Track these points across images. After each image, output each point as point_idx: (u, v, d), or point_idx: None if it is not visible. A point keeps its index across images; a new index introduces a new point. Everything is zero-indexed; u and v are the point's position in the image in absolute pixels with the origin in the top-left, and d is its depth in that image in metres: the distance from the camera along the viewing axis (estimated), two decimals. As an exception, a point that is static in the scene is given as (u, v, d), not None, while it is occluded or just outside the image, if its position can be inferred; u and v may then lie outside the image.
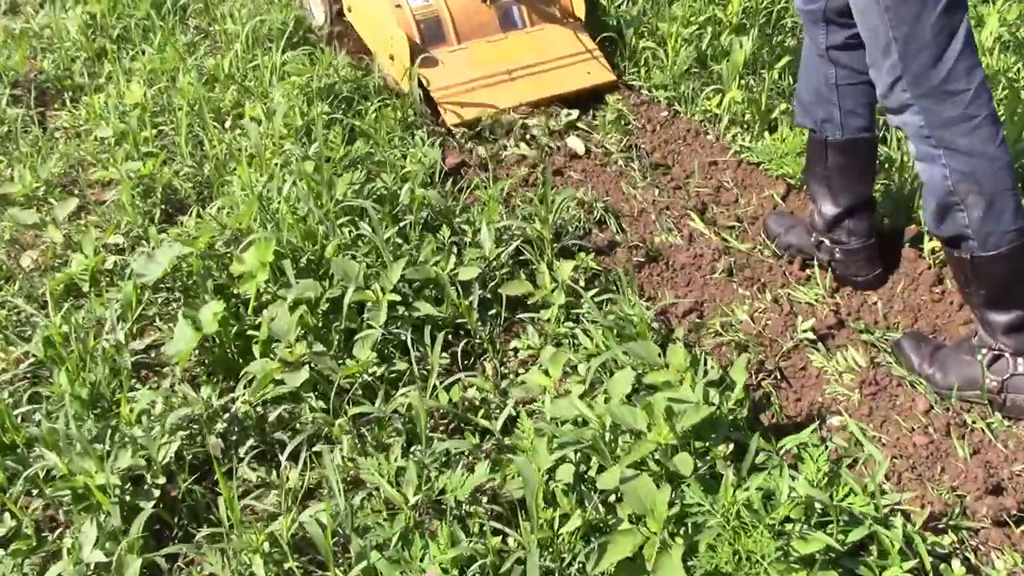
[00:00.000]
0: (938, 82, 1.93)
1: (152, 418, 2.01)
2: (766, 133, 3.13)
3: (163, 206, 2.85)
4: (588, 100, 3.43)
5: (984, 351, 2.13)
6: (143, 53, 3.65)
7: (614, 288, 2.51)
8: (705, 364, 2.05)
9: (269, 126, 3.01)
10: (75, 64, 3.65)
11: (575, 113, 3.32)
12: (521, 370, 2.30)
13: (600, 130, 3.27)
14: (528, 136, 3.24)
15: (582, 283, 2.49)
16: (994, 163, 1.95)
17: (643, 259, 2.69)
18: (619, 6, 3.78)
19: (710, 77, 3.42)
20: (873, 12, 1.94)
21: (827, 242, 2.54)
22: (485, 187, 2.80)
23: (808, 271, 2.61)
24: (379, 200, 2.60)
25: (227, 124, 3.23)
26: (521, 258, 2.56)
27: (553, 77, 3.39)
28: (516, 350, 2.35)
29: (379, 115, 3.18)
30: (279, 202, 2.55)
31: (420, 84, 3.28)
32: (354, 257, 2.38)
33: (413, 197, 2.59)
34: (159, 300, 2.47)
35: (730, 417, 1.96)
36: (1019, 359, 2.09)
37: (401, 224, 2.53)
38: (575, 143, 3.19)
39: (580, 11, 3.54)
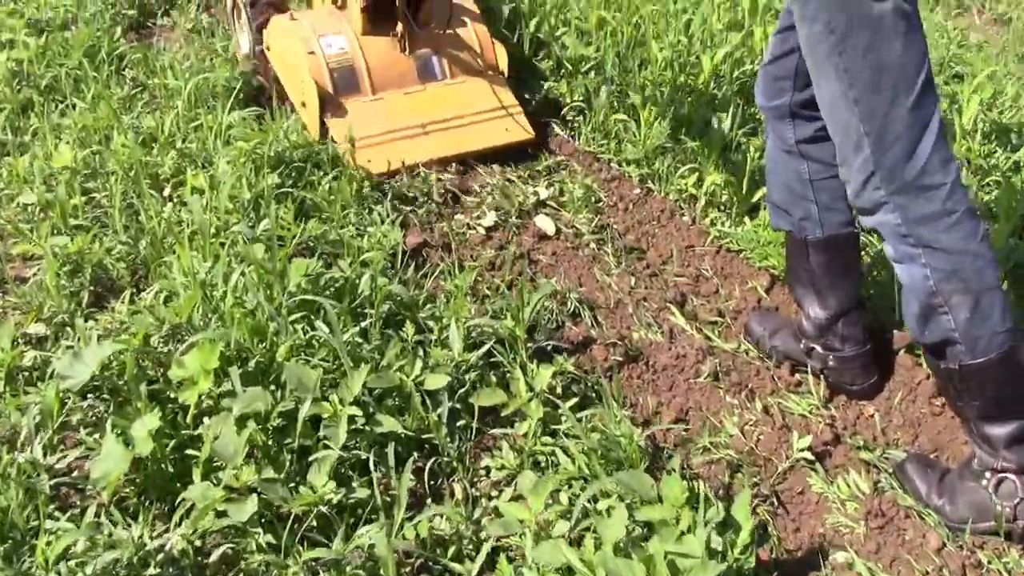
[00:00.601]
0: (913, 176, 1.83)
1: (73, 563, 1.73)
2: (746, 218, 2.97)
3: (92, 287, 2.56)
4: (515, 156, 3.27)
5: (988, 475, 1.96)
6: (74, 108, 3.36)
7: (594, 395, 2.30)
8: (704, 501, 1.84)
9: (213, 198, 2.75)
10: (-3, 118, 3.34)
11: (543, 191, 3.12)
12: (494, 492, 2.07)
13: (569, 207, 3.08)
14: (496, 209, 3.03)
15: (559, 389, 2.28)
16: (977, 260, 1.84)
17: (622, 358, 2.49)
18: (586, 71, 3.60)
19: (685, 154, 3.25)
20: (842, 107, 1.85)
21: (819, 348, 2.37)
22: (451, 274, 2.58)
23: (798, 375, 2.43)
24: (337, 293, 2.36)
25: (166, 193, 2.96)
26: (492, 360, 2.34)
27: (470, 132, 3.28)
28: (488, 469, 2.12)
29: (332, 187, 2.94)
30: (224, 292, 2.30)
31: (328, 134, 3.16)
32: (308, 362, 2.13)
33: (375, 288, 2.36)
34: (84, 405, 2.18)
35: (736, 565, 1.75)
36: None
37: (361, 323, 2.29)
38: (544, 223, 2.99)
39: (503, 65, 3.45)
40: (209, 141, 3.13)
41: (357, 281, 2.41)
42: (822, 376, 2.39)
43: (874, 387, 2.38)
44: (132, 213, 2.83)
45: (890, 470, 2.16)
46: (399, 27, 3.30)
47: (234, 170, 2.88)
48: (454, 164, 3.25)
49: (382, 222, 2.84)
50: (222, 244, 2.56)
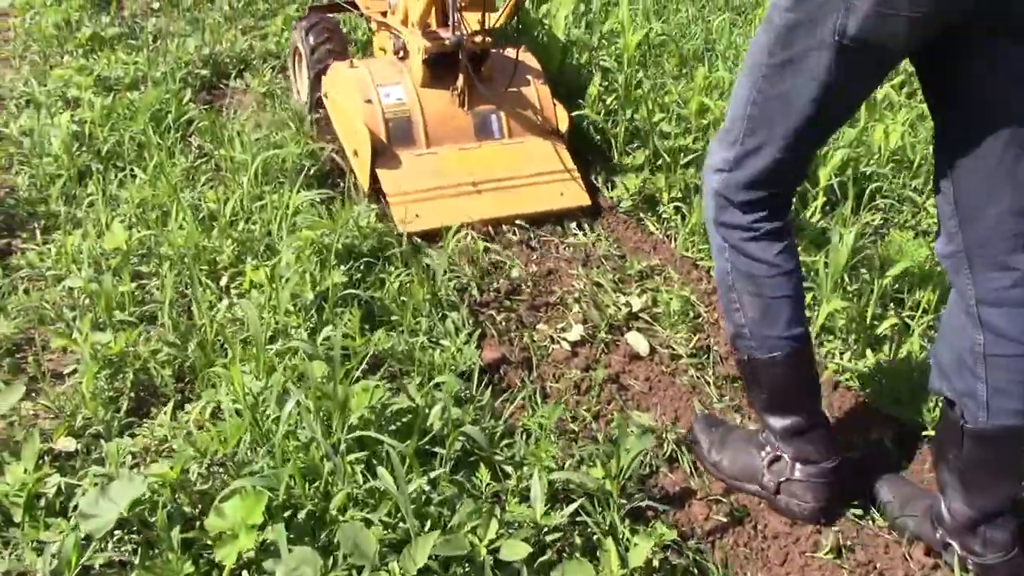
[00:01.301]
0: (746, 199, 1.93)
1: None
2: (868, 350, 2.61)
3: (132, 392, 2.30)
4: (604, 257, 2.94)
5: (768, 449, 2.13)
6: (134, 177, 3.14)
7: (695, 569, 1.96)
8: None
9: (273, 295, 2.48)
10: (53, 185, 3.12)
11: (636, 301, 2.80)
12: None
13: (665, 322, 2.75)
14: (584, 321, 2.72)
15: (656, 562, 1.94)
16: (772, 269, 1.95)
17: (726, 519, 2.14)
18: (685, 164, 3.29)
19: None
20: (739, 109, 1.89)
21: (957, 547, 1.98)
22: (532, 401, 2.27)
23: (935, 559, 2.06)
24: (406, 428, 2.05)
25: (223, 282, 2.70)
26: (578, 518, 2.01)
27: (523, 194, 3.19)
28: (573, 665, 1.78)
29: (403, 289, 2.65)
30: (276, 418, 2.01)
31: (377, 185, 3.09)
32: (368, 520, 1.82)
33: (447, 421, 2.05)
34: (110, 544, 1.90)
35: None
36: (797, 464, 2.08)
37: (431, 466, 1.98)
38: (637, 341, 2.66)
39: (563, 125, 3.37)
40: (273, 226, 2.87)
41: (427, 411, 2.10)
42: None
43: None
44: (184, 306, 2.58)
45: None
46: (459, 81, 3.22)
47: (298, 263, 2.61)
48: (537, 263, 2.96)
49: (457, 331, 2.54)
50: (279, 355, 2.28)
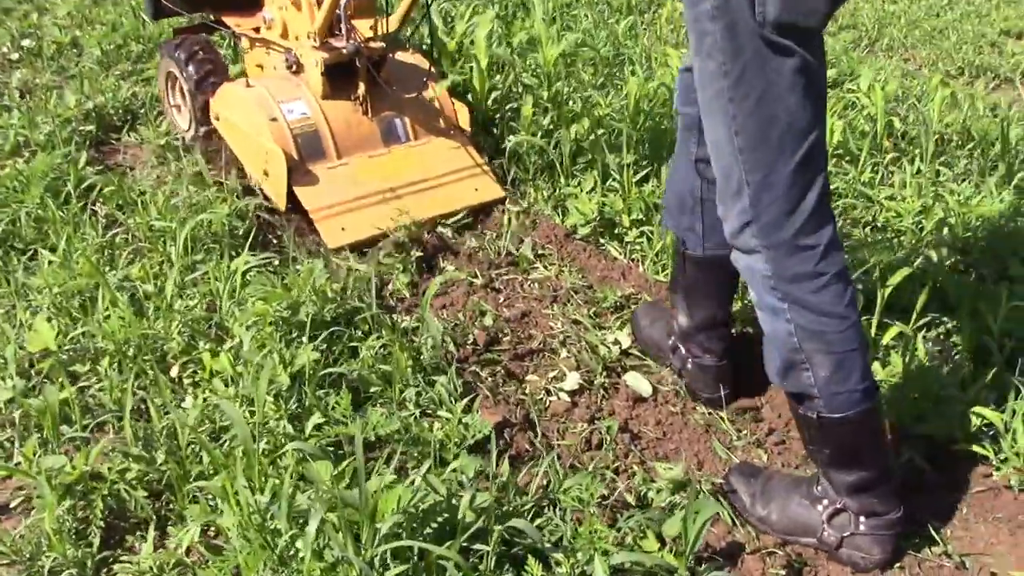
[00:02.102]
0: (790, 236, 1.79)
1: None
2: (877, 364, 2.51)
3: (102, 522, 1.98)
4: (577, 292, 2.80)
5: (826, 502, 2.02)
6: (35, 260, 2.78)
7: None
8: None
9: (242, 384, 2.21)
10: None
11: (623, 338, 2.64)
12: None
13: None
14: (577, 366, 2.54)
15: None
16: (843, 322, 1.83)
17: (784, 571, 2.00)
18: (640, 180, 3.14)
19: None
20: (726, 151, 1.78)
21: (682, 350, 2.47)
22: (553, 470, 2.08)
23: None
24: (439, 528, 1.82)
25: (174, 373, 2.40)
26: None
27: (440, 194, 3.20)
28: None
29: (380, 356, 2.41)
30: (291, 540, 1.75)
31: (296, 203, 3.01)
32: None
33: (479, 511, 1.84)
34: None
35: None
36: (861, 518, 1.98)
37: (473, 570, 1.76)
38: (637, 382, 2.50)
39: (465, 123, 3.39)
40: (219, 301, 2.58)
41: (455, 502, 1.88)
42: (680, 377, 2.50)
43: (722, 400, 2.43)
44: (137, 407, 2.27)
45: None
46: (360, 89, 3.19)
47: (257, 340, 2.34)
48: (507, 306, 2.77)
49: (451, 397, 2.32)
50: (266, 455, 2.02)
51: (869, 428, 1.92)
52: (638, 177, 3.17)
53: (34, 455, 2.04)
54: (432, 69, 3.40)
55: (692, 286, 2.38)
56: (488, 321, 2.72)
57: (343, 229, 3.00)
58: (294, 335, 2.46)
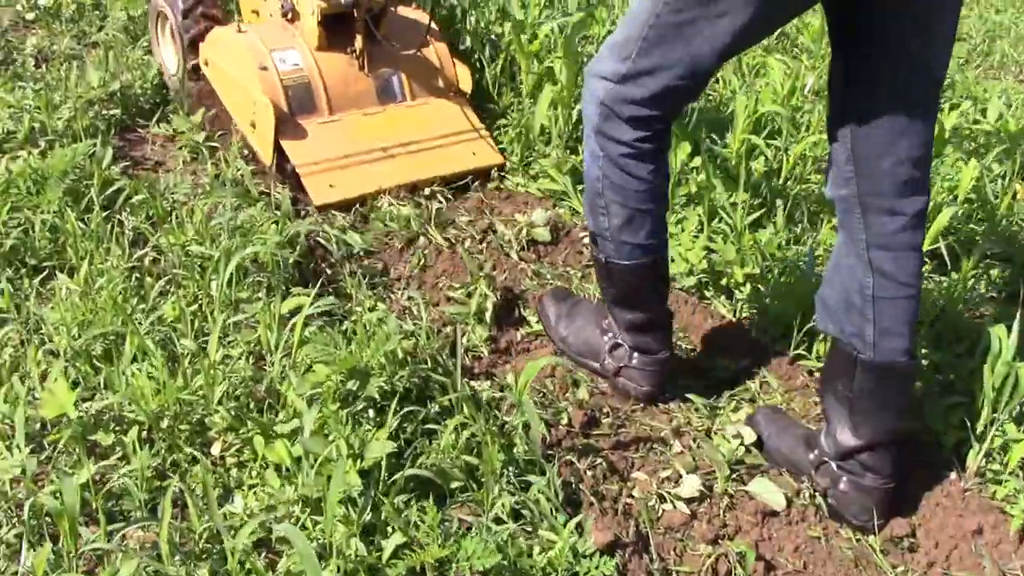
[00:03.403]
0: (629, 111, 1.93)
1: None
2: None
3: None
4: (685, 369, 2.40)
5: (611, 335, 2.28)
6: (62, 290, 2.35)
7: None
8: None
9: (303, 483, 1.80)
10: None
11: (746, 432, 2.22)
12: None
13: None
14: (693, 465, 2.12)
15: None
16: (642, 183, 2.00)
17: None
18: (752, 224, 2.71)
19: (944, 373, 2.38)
20: (636, 27, 1.86)
21: (833, 466, 2.04)
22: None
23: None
24: None
25: (214, 451, 1.99)
26: None
27: (435, 156, 3.09)
28: None
29: (470, 442, 2.00)
30: None
31: (283, 157, 2.88)
32: None
33: None
34: None
35: None
36: (635, 353, 2.24)
37: None
38: (767, 492, 2.09)
39: (466, 85, 3.25)
40: (269, 355, 2.16)
41: None
42: (824, 498, 2.07)
43: (875, 526, 2.02)
44: (174, 496, 1.85)
45: None
46: (358, 43, 3.04)
47: (321, 417, 1.92)
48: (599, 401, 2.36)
49: (552, 507, 1.90)
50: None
51: (649, 279, 2.15)
52: (750, 219, 2.73)
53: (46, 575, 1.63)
54: (434, 25, 3.20)
55: (862, 396, 1.97)
56: (583, 394, 2.31)
57: (331, 186, 2.89)
58: (359, 407, 2.04)
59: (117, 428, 2.00)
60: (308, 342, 2.12)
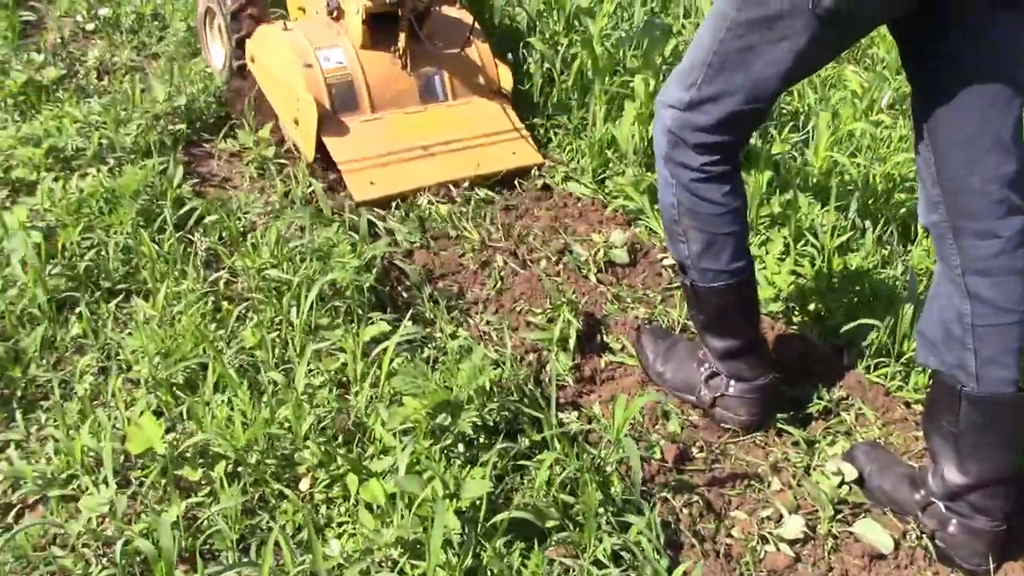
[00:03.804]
0: (697, 138, 1.93)
1: None
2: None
3: None
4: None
5: (706, 366, 2.24)
6: (140, 316, 2.30)
7: None
8: None
9: (399, 525, 1.73)
10: (26, 334, 2.25)
11: (846, 468, 2.13)
12: None
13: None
14: (796, 505, 2.04)
15: None
16: (718, 208, 1.99)
17: None
18: (844, 247, 2.62)
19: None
20: (701, 53, 1.87)
21: (940, 507, 1.94)
22: None
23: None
24: None
25: (303, 486, 1.93)
26: None
27: (475, 155, 3.09)
28: None
29: (557, 481, 1.92)
30: None
31: (325, 154, 2.92)
32: None
33: None
34: None
35: None
36: (732, 381, 2.20)
37: None
38: (875, 534, 2.00)
39: (507, 84, 3.27)
40: (355, 387, 2.10)
41: None
42: (931, 541, 1.97)
43: (990, 571, 1.91)
44: (263, 534, 1.80)
45: None
46: (401, 42, 3.06)
47: (414, 454, 1.86)
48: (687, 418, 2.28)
49: (655, 550, 1.83)
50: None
51: (738, 302, 2.12)
52: (837, 241, 2.64)
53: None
54: (476, 25, 3.23)
55: (969, 431, 1.87)
56: (674, 426, 2.24)
57: (372, 183, 2.91)
58: (448, 441, 1.98)
59: (203, 462, 1.94)
60: (396, 373, 2.06)
